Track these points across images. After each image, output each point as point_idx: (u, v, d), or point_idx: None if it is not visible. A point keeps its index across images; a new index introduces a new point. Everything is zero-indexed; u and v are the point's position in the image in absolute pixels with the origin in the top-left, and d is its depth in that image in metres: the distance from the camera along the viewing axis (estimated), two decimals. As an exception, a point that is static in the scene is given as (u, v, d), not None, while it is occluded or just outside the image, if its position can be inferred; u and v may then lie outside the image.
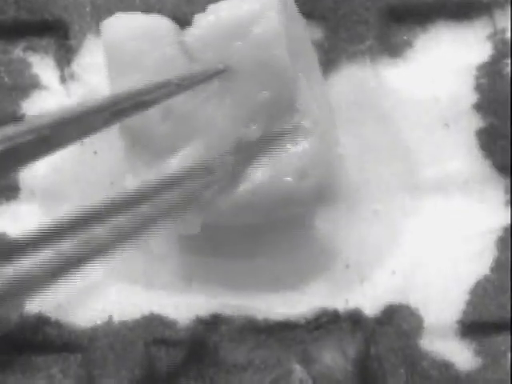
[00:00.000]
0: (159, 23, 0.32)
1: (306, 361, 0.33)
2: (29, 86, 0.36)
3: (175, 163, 0.31)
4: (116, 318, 0.34)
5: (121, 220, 0.24)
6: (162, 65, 0.32)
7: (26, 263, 0.22)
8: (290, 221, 0.33)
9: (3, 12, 0.37)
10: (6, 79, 0.36)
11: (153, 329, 0.34)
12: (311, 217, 0.34)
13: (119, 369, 0.33)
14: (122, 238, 0.24)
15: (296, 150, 0.31)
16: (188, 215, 0.31)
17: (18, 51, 0.37)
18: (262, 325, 0.34)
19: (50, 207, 0.36)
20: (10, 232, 0.35)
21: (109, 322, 0.34)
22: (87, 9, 0.37)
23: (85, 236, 0.23)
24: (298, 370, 0.33)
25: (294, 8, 0.33)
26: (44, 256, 0.23)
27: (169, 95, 0.30)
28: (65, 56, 0.37)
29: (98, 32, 0.36)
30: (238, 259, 0.35)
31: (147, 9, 0.36)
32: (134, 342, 0.33)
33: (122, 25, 0.32)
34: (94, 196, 0.36)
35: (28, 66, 0.37)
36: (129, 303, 0.34)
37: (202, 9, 0.32)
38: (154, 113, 0.31)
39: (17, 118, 0.36)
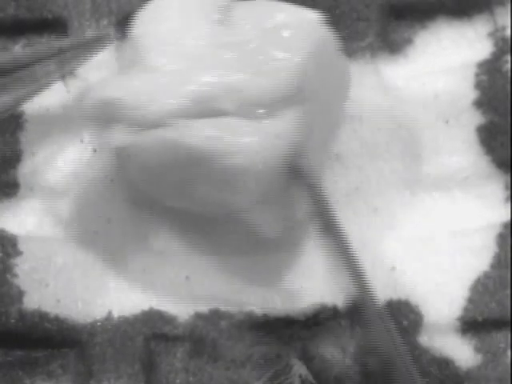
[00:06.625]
0: None
1: (306, 357, 0.33)
2: (28, 82, 0.36)
3: None
4: (115, 314, 0.34)
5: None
6: (200, 22, 0.32)
7: None
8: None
9: (3, 10, 0.37)
10: (6, 76, 0.36)
11: (152, 324, 0.34)
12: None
13: (118, 364, 0.33)
14: None
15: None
16: (271, 219, 0.32)
17: (17, 48, 0.37)
18: (261, 321, 0.34)
19: (49, 204, 0.36)
20: (9, 228, 0.35)
21: (108, 318, 0.34)
22: (87, 6, 0.37)
23: None
24: (298, 365, 0.33)
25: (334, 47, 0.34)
26: None
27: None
28: (64, 53, 0.37)
29: (97, 29, 0.37)
30: (237, 255, 0.35)
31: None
32: (133, 337, 0.34)
33: None
34: (94, 193, 0.36)
35: (28, 62, 0.37)
36: (128, 299, 0.34)
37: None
38: None
39: (15, 114, 0.36)
